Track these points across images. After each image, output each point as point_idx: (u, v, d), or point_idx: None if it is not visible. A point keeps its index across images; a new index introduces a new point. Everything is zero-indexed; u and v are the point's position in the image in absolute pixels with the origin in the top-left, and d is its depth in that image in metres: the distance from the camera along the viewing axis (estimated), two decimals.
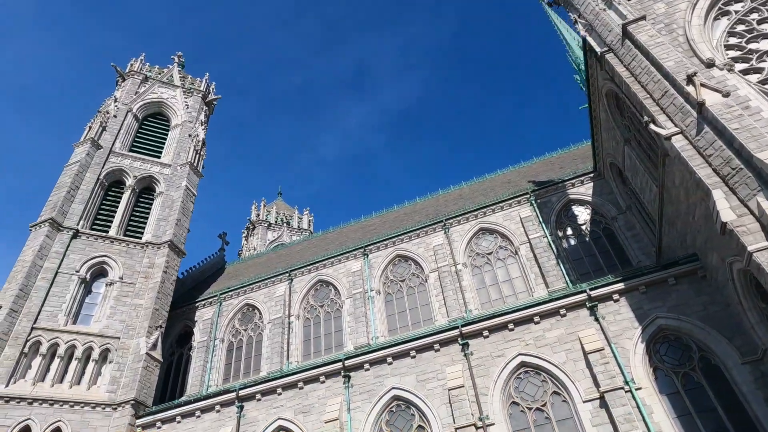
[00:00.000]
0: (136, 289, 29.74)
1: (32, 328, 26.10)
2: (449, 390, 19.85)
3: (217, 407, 23.82)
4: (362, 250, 32.20)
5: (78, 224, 30.97)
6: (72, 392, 24.82)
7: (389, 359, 22.09)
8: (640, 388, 17.69)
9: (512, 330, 20.94)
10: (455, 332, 21.53)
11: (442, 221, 31.14)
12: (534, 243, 27.77)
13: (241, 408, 23.29)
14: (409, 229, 31.78)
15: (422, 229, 31.53)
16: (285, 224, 62.24)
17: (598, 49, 20.66)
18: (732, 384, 16.84)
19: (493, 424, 18.82)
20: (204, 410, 23.98)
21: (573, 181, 29.84)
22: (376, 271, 31.06)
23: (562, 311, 20.57)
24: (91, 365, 26.22)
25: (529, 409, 19.06)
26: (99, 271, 30.17)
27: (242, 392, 23.50)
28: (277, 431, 22.18)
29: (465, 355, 21.00)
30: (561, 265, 26.42)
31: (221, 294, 34.09)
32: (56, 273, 28.58)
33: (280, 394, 23.10)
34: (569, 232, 28.55)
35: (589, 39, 21.42)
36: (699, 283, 19.20)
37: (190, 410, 24.17)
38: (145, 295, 29.55)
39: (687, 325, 18.49)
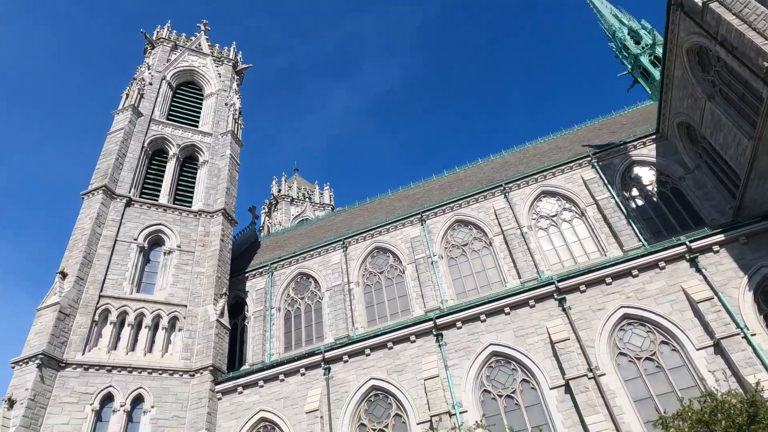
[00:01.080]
0: (195, 257, 29.06)
1: (100, 296, 25.35)
2: (554, 343, 19.88)
3: (302, 370, 23.58)
4: (419, 215, 31.88)
5: (129, 192, 30.02)
6: (147, 360, 24.27)
7: (482, 317, 22.04)
8: (755, 334, 17.92)
9: (609, 284, 21.02)
10: (551, 288, 21.53)
11: (501, 185, 30.92)
12: (602, 204, 27.78)
13: (328, 370, 23.07)
14: (467, 194, 31.51)
15: (481, 193, 31.28)
16: (307, 199, 61.49)
17: (699, 1, 20.42)
18: None
19: (603, 374, 18.93)
20: (288, 374, 23.71)
21: (635, 143, 29.84)
22: (436, 237, 30.81)
23: (661, 264, 20.69)
24: (161, 333, 25.63)
25: (638, 359, 19.21)
26: (155, 240, 29.35)
27: (328, 354, 23.27)
28: (370, 391, 22.02)
29: (563, 309, 21.03)
30: (632, 225, 26.49)
31: (272, 263, 33.53)
32: (115, 241, 27.73)
33: (368, 355, 22.92)
34: (635, 193, 28.62)
35: None
36: None
37: (273, 374, 23.87)
38: (205, 263, 28.91)
39: None
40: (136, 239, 28.42)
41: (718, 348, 17.96)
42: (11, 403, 20.30)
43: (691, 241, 20.43)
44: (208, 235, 30.44)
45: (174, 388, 23.72)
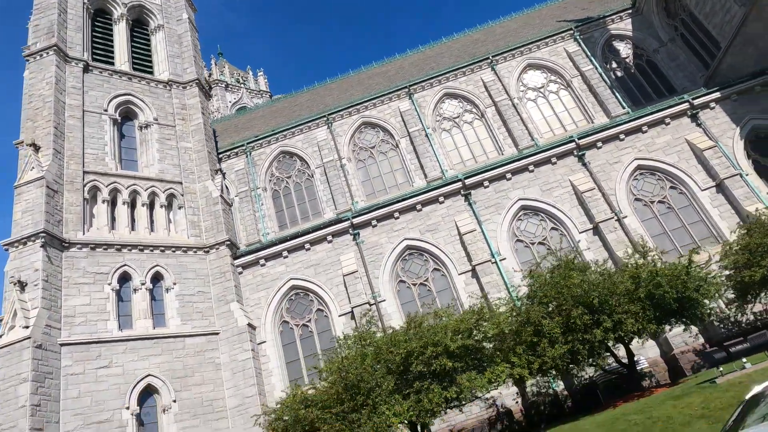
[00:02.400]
0: (177, 131, 26.13)
1: (84, 172, 22.16)
2: (581, 192, 21.70)
3: (329, 237, 23.34)
4: (406, 89, 31.21)
5: (83, 56, 25.41)
6: (155, 238, 22.29)
7: (508, 175, 23.11)
8: (748, 174, 21.08)
9: (622, 140, 22.97)
10: (571, 145, 22.99)
11: (488, 58, 31.04)
12: (588, 75, 29.32)
13: (357, 235, 23.09)
14: (454, 67, 31.27)
15: (468, 66, 31.22)
16: (242, 85, 56.24)
17: None
18: None
19: (626, 216, 21.29)
20: (314, 242, 23.36)
21: (612, 17, 31.22)
22: (426, 110, 30.66)
23: (667, 120, 22.93)
24: (161, 211, 23.44)
25: (652, 202, 21.79)
26: (125, 113, 25.69)
27: (356, 220, 23.14)
28: (404, 251, 22.63)
29: (583, 164, 22.75)
30: (616, 94, 28.53)
31: (248, 143, 31.26)
32: (83, 112, 23.86)
33: (397, 218, 23.22)
34: (614, 65, 30.49)
35: None
36: None
37: (297, 244, 23.37)
38: (191, 138, 26.21)
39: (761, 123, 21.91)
40: (106, 110, 24.66)
41: (720, 187, 20.94)
42: (22, 285, 17.80)
43: (693, 99, 22.70)
44: (186, 108, 27.30)
45: (191, 265, 22.32)
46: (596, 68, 29.51)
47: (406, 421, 12.14)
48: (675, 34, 29.40)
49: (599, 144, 22.93)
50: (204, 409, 19.23)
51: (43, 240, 18.95)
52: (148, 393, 18.80)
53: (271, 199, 30.07)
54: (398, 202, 23.41)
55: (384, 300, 21.59)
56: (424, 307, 19.43)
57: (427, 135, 29.54)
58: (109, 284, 20.06)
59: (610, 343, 14.46)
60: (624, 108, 27.80)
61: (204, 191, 24.62)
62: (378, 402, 11.84)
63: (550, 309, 13.97)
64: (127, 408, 17.94)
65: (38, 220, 19.41)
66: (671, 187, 21.95)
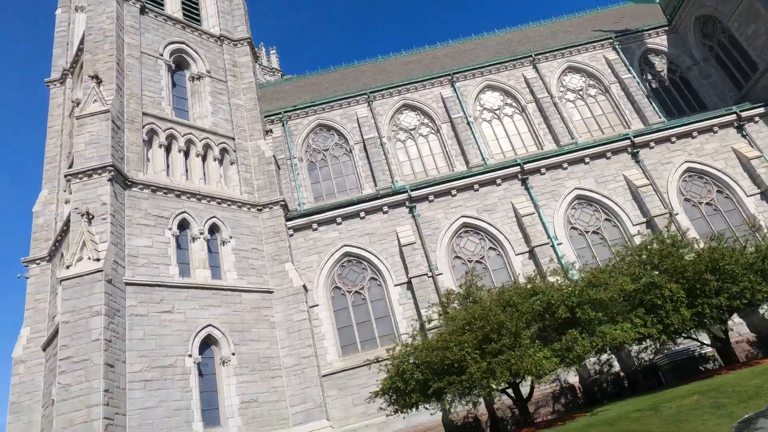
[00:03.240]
0: (229, 87, 25.39)
1: (143, 114, 21.21)
2: (636, 188, 22.53)
3: (384, 208, 23.21)
4: (449, 77, 31.56)
5: None
6: (209, 189, 21.53)
7: (564, 165, 23.70)
8: None
9: (674, 142, 24.00)
10: (626, 142, 23.83)
11: (531, 56, 31.79)
12: (626, 83, 30.51)
13: (413, 208, 23.07)
14: (496, 61, 31.88)
15: (510, 62, 31.88)
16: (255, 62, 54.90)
17: None
18: None
19: (677, 213, 22.23)
20: (369, 211, 23.16)
21: (650, 31, 32.66)
22: (469, 98, 31.07)
23: (715, 128, 24.15)
24: (213, 164, 22.70)
25: (700, 203, 22.87)
26: (177, 62, 24.76)
27: (414, 193, 23.13)
28: (461, 227, 22.79)
29: (636, 161, 23.63)
30: (652, 103, 29.84)
31: (285, 112, 30.77)
32: (141, 53, 22.84)
33: (454, 195, 23.34)
34: (649, 77, 31.85)
35: None
36: None
37: (352, 212, 23.11)
38: (242, 96, 25.51)
39: None
40: (161, 55, 23.73)
41: (764, 195, 22.22)
42: (90, 217, 16.83)
43: (740, 111, 24.04)
44: (236, 65, 26.56)
45: (246, 221, 21.70)
46: (634, 77, 30.75)
47: (556, 365, 12.22)
48: (709, 54, 30.99)
49: (652, 144, 23.87)
50: (261, 365, 18.67)
51: (110, 174, 17.99)
52: (206, 344, 18.07)
53: (306, 170, 29.67)
54: (456, 180, 23.58)
55: (441, 273, 21.65)
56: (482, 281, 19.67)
57: (468, 123, 29.93)
58: (170, 229, 19.22)
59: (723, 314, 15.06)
60: (660, 117, 29.10)
61: (256, 150, 23.99)
62: (524, 346, 11.93)
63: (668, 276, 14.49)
64: (190, 356, 17.19)
65: (104, 154, 18.42)
66: (718, 191, 23.10)
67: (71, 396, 14.27)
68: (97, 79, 20.06)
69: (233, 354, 18.18)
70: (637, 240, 21.32)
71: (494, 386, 12.14)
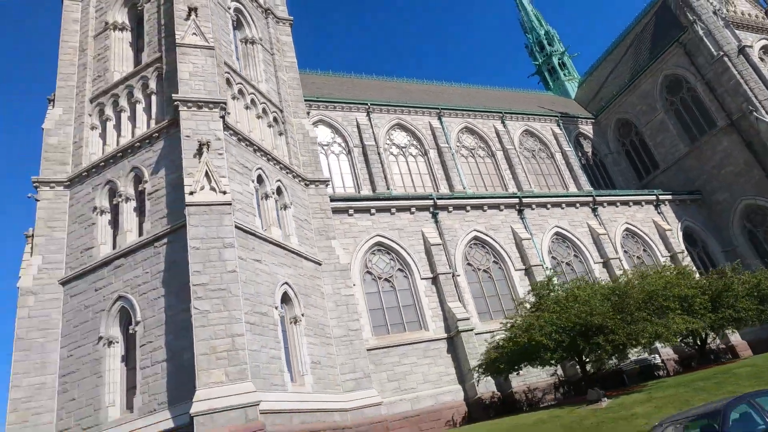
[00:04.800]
0: (275, 60, 25.52)
1: (224, 62, 20.60)
2: (598, 234, 28.65)
3: (413, 209, 25.47)
4: (438, 110, 35.59)
5: None
6: (275, 153, 21.43)
7: (548, 205, 28.95)
8: (684, 253, 30.77)
9: (618, 207, 31.07)
10: (589, 198, 30.15)
11: (501, 113, 37.68)
12: (567, 154, 38.07)
13: (436, 215, 25.82)
14: (475, 108, 37.01)
15: (485, 113, 37.30)
16: None
17: (714, 52, 32.15)
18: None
19: (619, 258, 28.78)
20: (400, 209, 25.17)
21: (582, 120, 41.28)
22: (452, 134, 35.36)
23: (643, 203, 32.00)
24: (268, 130, 22.59)
25: (634, 255, 29.85)
26: (235, 21, 24.27)
27: (439, 202, 25.94)
28: (474, 241, 26.14)
29: (595, 215, 29.96)
30: (584, 174, 37.69)
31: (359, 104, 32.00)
32: (216, 0, 22.17)
33: (468, 211, 26.73)
34: (579, 154, 39.95)
35: (706, 40, 32.65)
36: (699, 206, 33.72)
37: (385, 206, 24.87)
38: (285, 73, 25.78)
39: (695, 228, 32.72)
40: (229, 8, 23.27)
41: (673, 258, 30.09)
42: (208, 147, 16.18)
43: (659, 194, 32.31)
44: (279, 42, 26.80)
45: (299, 192, 22.04)
46: (572, 151, 38.50)
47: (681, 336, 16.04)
48: (621, 148, 40.37)
49: (605, 204, 30.57)
50: (319, 331, 19.08)
51: (222, 112, 17.44)
52: (281, 301, 18.02)
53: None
54: (471, 198, 27.10)
55: (459, 275, 24.52)
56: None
57: (452, 154, 34.07)
58: (253, 181, 18.94)
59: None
60: (591, 187, 36.84)
61: (301, 127, 24.45)
62: (638, 320, 15.57)
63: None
64: (276, 308, 17.09)
65: (212, 90, 17.77)
66: (644, 250, 30.47)
67: (210, 323, 13.60)
68: (195, 11, 19.25)
69: (303, 315, 18.40)
70: (597, 271, 27.14)
71: (643, 345, 15.41)
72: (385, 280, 23.57)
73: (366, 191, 30.02)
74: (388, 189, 30.43)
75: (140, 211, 17.87)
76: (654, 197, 32.35)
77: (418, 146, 34.17)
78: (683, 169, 35.22)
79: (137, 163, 18.10)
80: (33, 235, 18.39)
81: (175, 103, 17.01)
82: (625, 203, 31.45)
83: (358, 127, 32.40)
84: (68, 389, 15.89)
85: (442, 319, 23.06)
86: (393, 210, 25.04)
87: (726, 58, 31.90)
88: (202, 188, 15.46)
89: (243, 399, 12.89)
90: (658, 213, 32.18)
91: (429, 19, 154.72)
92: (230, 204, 15.54)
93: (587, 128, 41.47)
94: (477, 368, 19.23)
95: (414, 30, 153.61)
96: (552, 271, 24.69)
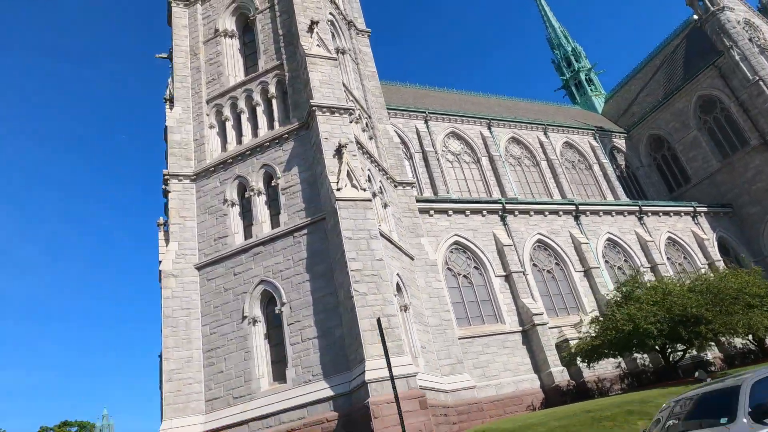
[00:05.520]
0: (360, 69, 27.42)
1: None
2: (645, 241, 30.87)
3: (484, 212, 27.47)
4: (488, 121, 37.72)
5: None
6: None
7: (600, 213, 31.13)
8: (720, 261, 33.13)
9: (660, 216, 33.37)
10: (635, 207, 32.41)
11: (544, 125, 39.98)
12: (605, 166, 40.43)
13: (504, 218, 27.85)
14: (519, 120, 39.24)
15: (529, 124, 39.57)
16: None
17: (750, 76, 34.73)
18: None
19: (663, 264, 31.03)
20: (473, 212, 27.16)
21: (616, 134, 43.71)
22: (501, 143, 37.52)
23: (682, 213, 34.31)
24: (362, 133, 24.51)
25: (676, 261, 32.12)
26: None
27: (507, 206, 27.98)
28: (538, 243, 28.18)
29: (642, 223, 32.21)
30: (620, 185, 40.04)
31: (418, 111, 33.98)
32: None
33: (531, 215, 28.79)
34: (613, 167, 42.32)
35: (742, 65, 35.23)
36: (730, 218, 36.19)
37: (460, 208, 26.85)
38: (369, 82, 27.66)
39: (727, 238, 35.15)
40: (325, 18, 25.11)
41: (711, 266, 32.41)
42: (339, 146, 18.00)
43: (697, 206, 34.69)
44: (361, 52, 28.72)
45: (390, 192, 23.86)
46: (609, 163, 40.85)
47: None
48: (653, 162, 42.82)
49: (649, 214, 32.85)
50: (420, 319, 20.93)
51: (350, 117, 19.32)
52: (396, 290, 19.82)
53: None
54: (533, 204, 29.19)
55: (528, 273, 26.54)
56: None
57: (503, 162, 36.18)
58: (366, 180, 20.78)
59: None
60: (626, 197, 39.17)
61: (386, 133, 26.36)
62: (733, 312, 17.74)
63: None
64: (395, 295, 18.90)
65: (340, 97, 19.67)
66: (684, 257, 32.76)
67: (368, 304, 15.43)
68: (317, 25, 21.13)
69: (410, 304, 20.23)
70: (646, 276, 29.31)
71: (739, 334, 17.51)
72: (464, 276, 25.49)
73: (428, 194, 31.97)
74: (447, 192, 32.43)
75: (269, 204, 19.65)
76: (692, 209, 34.72)
77: (471, 154, 36.27)
78: (715, 184, 37.70)
79: (267, 161, 19.88)
80: (165, 224, 20.07)
81: (312, 108, 18.85)
82: (667, 213, 33.77)
83: (417, 133, 34.42)
84: (214, 362, 17.56)
85: (515, 313, 25.01)
86: (467, 212, 27.01)
87: (761, 82, 34.48)
88: (345, 186, 17.29)
89: (403, 370, 14.71)
90: (696, 223, 34.54)
91: (469, 34, 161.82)
92: (371, 200, 17.42)
93: (620, 142, 43.91)
94: (567, 356, 21.12)
95: (458, 42, 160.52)
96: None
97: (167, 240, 19.67)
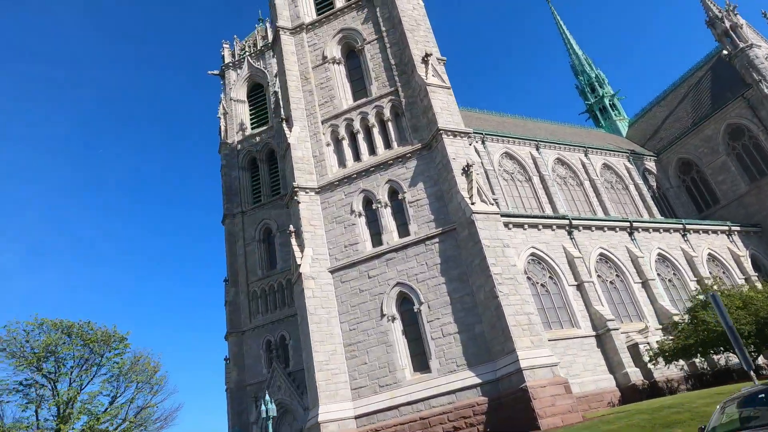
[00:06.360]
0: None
1: None
2: (691, 257, 33.72)
3: (553, 227, 30.08)
4: (536, 143, 40.63)
5: None
6: None
7: (650, 230, 33.96)
8: (755, 277, 36.09)
9: (700, 234, 36.32)
10: (679, 225, 35.31)
11: (585, 148, 42.99)
12: (640, 186, 43.49)
13: (571, 232, 30.49)
14: (563, 142, 42.20)
15: (572, 146, 42.52)
16: None
17: None
18: None
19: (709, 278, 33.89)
20: (545, 226, 29.77)
21: (648, 156, 46.92)
22: (549, 164, 40.39)
23: (718, 232, 37.32)
24: None
25: (716, 277, 35.02)
26: None
27: (574, 222, 30.65)
28: (600, 256, 30.83)
29: (686, 238, 35.11)
30: (655, 204, 43.09)
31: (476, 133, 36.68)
32: None
33: (593, 231, 31.48)
34: (647, 187, 45.41)
35: (766, 91, 38.66)
36: (759, 237, 39.31)
37: (533, 222, 29.43)
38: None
39: (758, 255, 38.22)
40: None
41: (748, 280, 35.35)
42: (467, 166, 20.50)
43: (732, 225, 37.73)
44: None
45: None
46: (644, 184, 43.93)
47: None
48: (682, 183, 46.02)
49: (691, 231, 35.77)
50: None
51: (470, 140, 21.87)
52: None
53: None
54: (595, 220, 31.89)
55: (595, 283, 29.10)
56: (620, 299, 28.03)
57: (553, 181, 39.04)
58: None
59: None
60: (660, 216, 42.17)
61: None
62: None
63: None
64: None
65: (458, 122, 22.26)
66: (723, 272, 35.64)
67: (510, 303, 17.84)
68: (429, 57, 23.76)
69: None
70: (692, 287, 32.07)
71: None
72: (541, 285, 27.98)
73: None
74: (507, 208, 35.04)
75: (394, 215, 22.02)
76: (727, 228, 37.77)
77: (522, 172, 39.04)
78: (743, 205, 40.88)
79: (392, 177, 22.31)
80: (296, 232, 22.29)
81: (439, 131, 21.38)
82: (705, 231, 36.74)
83: (477, 153, 37.09)
84: (357, 355, 19.73)
85: (588, 319, 27.48)
86: (540, 227, 29.62)
87: None
88: (477, 201, 19.77)
89: (546, 360, 17.12)
90: (731, 241, 37.56)
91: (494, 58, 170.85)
92: (499, 213, 19.89)
93: (650, 164, 47.11)
94: (656, 356, 23.46)
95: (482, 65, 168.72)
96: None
97: (300, 246, 21.87)
